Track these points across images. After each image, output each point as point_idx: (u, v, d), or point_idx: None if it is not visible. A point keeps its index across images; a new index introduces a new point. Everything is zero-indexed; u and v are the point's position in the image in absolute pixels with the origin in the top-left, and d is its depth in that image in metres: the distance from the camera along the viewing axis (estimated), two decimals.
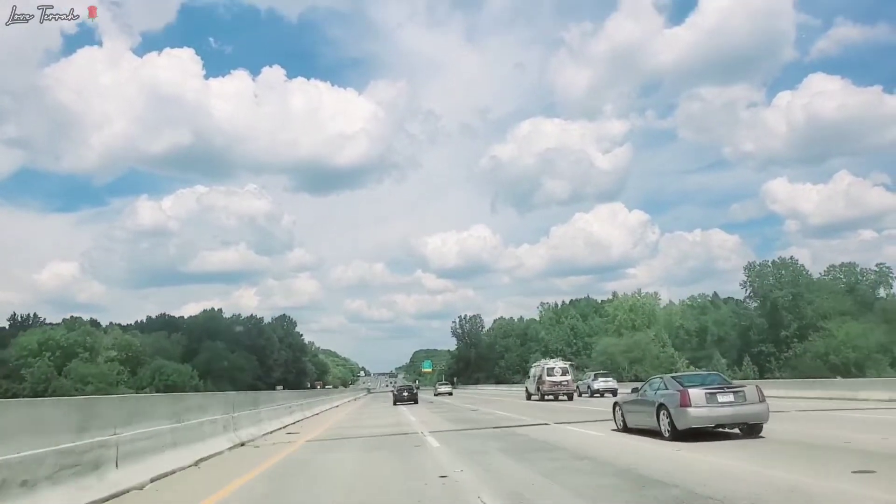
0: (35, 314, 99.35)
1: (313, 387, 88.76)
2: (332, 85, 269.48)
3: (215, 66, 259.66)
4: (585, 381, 39.79)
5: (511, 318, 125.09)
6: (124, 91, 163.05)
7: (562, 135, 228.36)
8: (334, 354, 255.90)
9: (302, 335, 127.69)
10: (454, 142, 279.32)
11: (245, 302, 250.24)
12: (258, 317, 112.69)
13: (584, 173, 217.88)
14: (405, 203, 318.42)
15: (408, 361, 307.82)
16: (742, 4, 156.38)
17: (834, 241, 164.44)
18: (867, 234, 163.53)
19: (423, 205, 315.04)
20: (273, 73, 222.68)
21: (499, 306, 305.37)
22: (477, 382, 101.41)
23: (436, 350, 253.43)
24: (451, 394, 54.53)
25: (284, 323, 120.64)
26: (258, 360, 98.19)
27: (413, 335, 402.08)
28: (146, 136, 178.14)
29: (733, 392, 11.60)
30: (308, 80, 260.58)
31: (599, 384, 37.27)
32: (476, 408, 27.98)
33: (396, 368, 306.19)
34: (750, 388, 11.73)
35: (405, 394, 39.32)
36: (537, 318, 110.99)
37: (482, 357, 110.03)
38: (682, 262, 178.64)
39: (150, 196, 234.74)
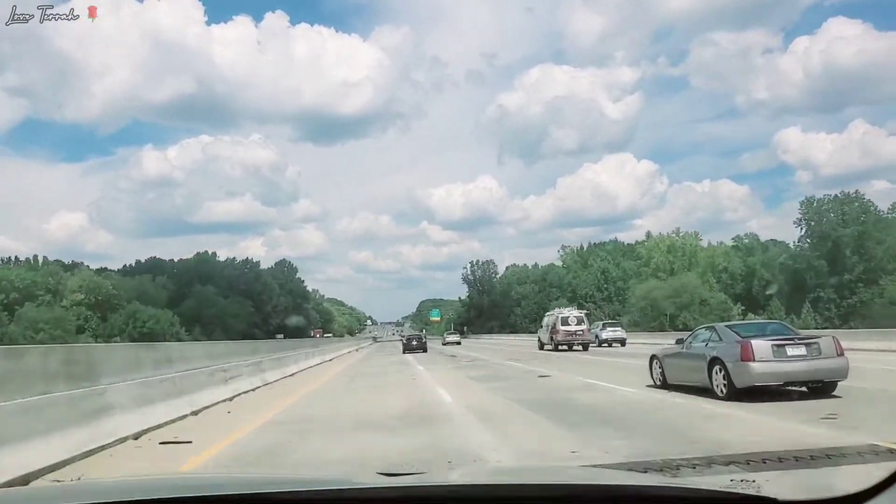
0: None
1: (312, 336, 79.03)
2: (337, 31, 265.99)
3: (217, 12, 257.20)
4: (593, 330, 38.27)
5: (525, 264, 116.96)
6: (126, 38, 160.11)
7: (571, 82, 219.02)
8: (340, 303, 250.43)
9: (304, 282, 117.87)
10: (460, 90, 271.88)
11: (252, 252, 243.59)
12: (254, 260, 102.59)
13: (593, 123, 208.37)
14: (410, 154, 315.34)
15: (414, 311, 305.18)
16: None
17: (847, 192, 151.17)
18: (880, 184, 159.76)
19: (428, 155, 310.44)
20: (276, 19, 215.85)
21: (505, 257, 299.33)
22: (490, 332, 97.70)
23: (442, 300, 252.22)
24: (459, 343, 54.98)
25: (285, 268, 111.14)
26: (255, 306, 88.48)
27: (419, 286, 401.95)
28: (148, 84, 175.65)
29: (805, 344, 10.12)
30: (312, 26, 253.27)
31: (608, 334, 36.44)
32: (492, 361, 26.43)
33: (403, 318, 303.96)
34: (826, 339, 10.22)
35: (414, 342, 41.72)
36: (559, 263, 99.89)
37: (496, 305, 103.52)
38: (690, 212, 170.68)
39: (154, 146, 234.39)
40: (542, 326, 34.29)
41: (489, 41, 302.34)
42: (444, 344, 54.48)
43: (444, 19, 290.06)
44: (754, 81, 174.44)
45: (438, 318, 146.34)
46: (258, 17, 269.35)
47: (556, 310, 34.35)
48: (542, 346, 32.65)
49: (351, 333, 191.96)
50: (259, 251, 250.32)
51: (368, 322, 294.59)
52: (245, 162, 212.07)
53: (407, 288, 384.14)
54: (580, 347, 30.01)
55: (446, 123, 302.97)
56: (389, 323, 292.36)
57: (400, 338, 74.10)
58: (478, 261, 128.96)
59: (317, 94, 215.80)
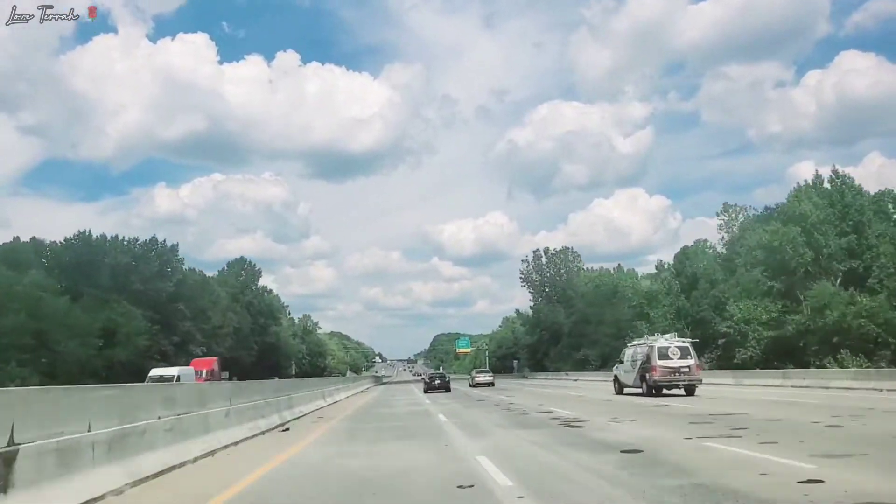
0: None
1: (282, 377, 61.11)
2: (347, 69, 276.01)
3: (229, 52, 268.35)
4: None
5: (606, 268, 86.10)
6: (139, 78, 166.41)
7: (581, 118, 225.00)
8: (345, 337, 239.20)
9: (271, 291, 78.65)
10: (470, 127, 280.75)
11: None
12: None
13: (604, 158, 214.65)
14: (421, 189, 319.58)
15: (427, 347, 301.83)
16: None
17: None
18: None
19: (438, 191, 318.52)
20: (287, 58, 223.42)
21: (515, 293, 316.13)
22: (549, 369, 72.78)
23: (458, 334, 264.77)
24: (492, 384, 44.05)
25: (241, 271, 70.74)
26: (164, 322, 48.49)
27: (430, 323, 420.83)
28: (161, 122, 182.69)
29: None
30: (322, 64, 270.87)
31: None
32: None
33: (415, 355, 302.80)
34: None
35: (437, 381, 39.20)
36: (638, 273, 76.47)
37: (584, 320, 60.92)
38: None
39: (167, 183, 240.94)
40: (621, 361, 27.19)
41: (499, 77, 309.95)
42: (472, 385, 44.32)
43: (453, 57, 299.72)
44: (767, 115, 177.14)
45: (468, 350, 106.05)
46: (270, 57, 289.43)
47: (647, 338, 26.71)
48: (621, 390, 26.25)
49: (356, 371, 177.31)
50: (270, 287, 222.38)
51: (377, 359, 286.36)
52: (256, 199, 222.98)
53: (417, 325, 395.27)
54: (682, 390, 23.23)
55: (456, 159, 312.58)
56: (400, 360, 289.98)
57: (413, 376, 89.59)
58: (549, 249, 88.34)
59: (328, 132, 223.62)
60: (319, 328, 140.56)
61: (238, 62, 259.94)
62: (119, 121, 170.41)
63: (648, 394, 23.26)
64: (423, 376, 56.35)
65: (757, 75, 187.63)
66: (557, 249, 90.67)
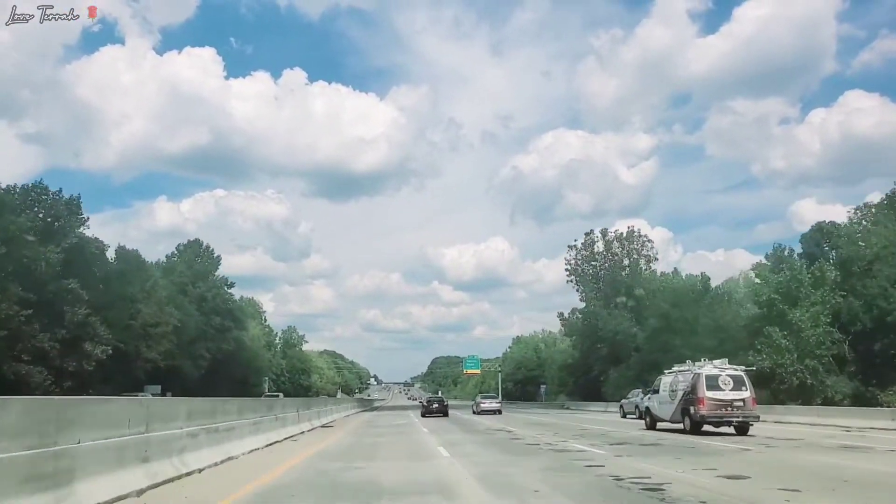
0: None
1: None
2: (354, 89, 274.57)
3: (236, 67, 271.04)
4: (632, 399, 33.83)
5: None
6: (144, 89, 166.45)
7: (586, 147, 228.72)
8: (339, 357, 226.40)
9: (233, 284, 59.21)
10: (475, 151, 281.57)
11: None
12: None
13: (607, 187, 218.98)
14: (423, 212, 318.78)
15: (425, 371, 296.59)
16: (781, 14, 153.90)
17: None
18: None
19: (441, 214, 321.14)
20: (294, 76, 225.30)
21: (515, 321, 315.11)
22: (608, 397, 52.71)
23: (458, 357, 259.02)
24: (499, 411, 39.60)
25: (196, 254, 51.84)
26: (65, 309, 26.81)
27: (427, 347, 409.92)
28: (165, 135, 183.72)
29: None
30: (329, 83, 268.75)
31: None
32: None
33: (412, 378, 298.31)
34: None
35: (434, 406, 38.28)
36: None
37: (667, 329, 43.66)
38: None
39: (168, 197, 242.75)
40: (654, 391, 23.83)
41: (505, 104, 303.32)
42: (476, 412, 39.84)
43: (460, 82, 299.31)
44: (771, 151, 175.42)
45: (476, 371, 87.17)
46: (276, 74, 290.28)
47: (691, 364, 22.27)
48: (653, 424, 23.26)
49: (348, 393, 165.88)
50: (267, 307, 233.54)
51: (372, 381, 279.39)
52: (258, 216, 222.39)
53: (415, 349, 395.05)
54: (730, 428, 20.06)
55: (460, 183, 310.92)
56: (396, 383, 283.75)
57: (409, 400, 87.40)
58: (605, 230, 70.39)
59: (332, 151, 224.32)
60: (306, 342, 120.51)
61: (244, 78, 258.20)
62: (123, 132, 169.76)
63: (692, 430, 19.88)
64: (420, 400, 54.47)
65: (762, 111, 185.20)
66: (621, 233, 68.22)
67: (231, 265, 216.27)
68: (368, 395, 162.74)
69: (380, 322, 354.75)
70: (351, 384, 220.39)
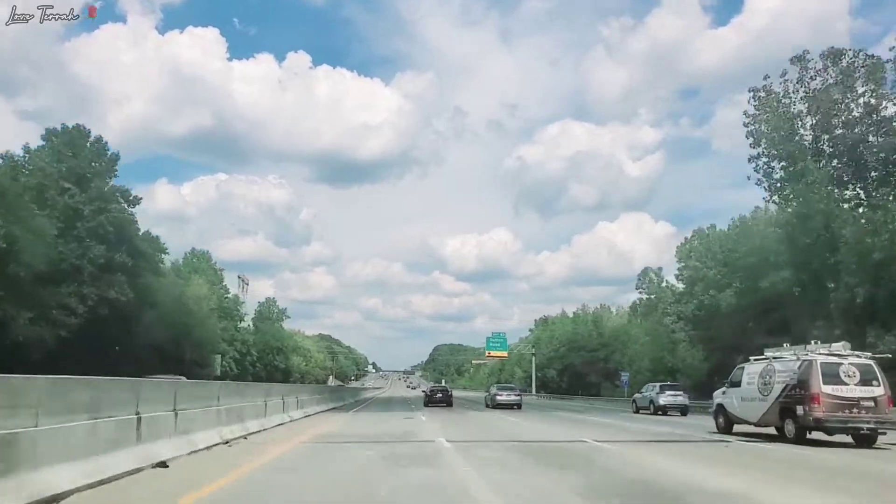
0: None
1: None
2: (359, 74, 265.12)
3: (240, 48, 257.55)
4: (646, 394, 32.86)
5: None
6: (145, 69, 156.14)
7: (592, 139, 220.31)
8: (335, 342, 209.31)
9: (139, 199, 33.45)
10: (480, 140, 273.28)
11: (260, 292, 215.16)
12: None
13: (612, 180, 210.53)
14: (426, 201, 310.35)
15: (427, 359, 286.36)
16: (794, 7, 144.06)
17: None
18: None
19: (444, 204, 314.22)
20: (298, 59, 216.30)
21: (515, 312, 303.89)
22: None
23: (461, 346, 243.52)
24: (518, 406, 34.82)
25: (86, 151, 27.29)
26: None
27: (427, 336, 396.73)
28: (167, 116, 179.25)
29: None
30: (334, 67, 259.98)
31: (667, 398, 31.20)
32: None
33: (412, 367, 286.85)
34: None
35: (438, 395, 38.18)
36: None
37: None
38: None
39: (169, 180, 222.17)
40: (732, 384, 18.37)
41: (512, 93, 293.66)
42: (492, 405, 35.20)
43: (467, 70, 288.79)
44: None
45: (503, 353, 62.36)
46: (280, 57, 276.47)
47: (792, 349, 16.91)
48: (729, 426, 18.16)
49: (343, 380, 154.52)
50: (268, 292, 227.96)
51: (370, 368, 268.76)
52: (259, 201, 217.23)
53: (414, 338, 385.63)
54: (849, 436, 15.14)
55: (464, 172, 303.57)
56: (396, 371, 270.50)
57: (410, 388, 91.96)
58: (837, 48, 33.98)
59: (335, 136, 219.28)
60: (287, 317, 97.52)
61: (248, 60, 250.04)
62: (122, 112, 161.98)
63: (797, 438, 15.20)
64: (423, 390, 55.04)
65: None
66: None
67: (231, 250, 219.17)
68: (362, 384, 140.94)
69: (380, 310, 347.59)
70: (346, 371, 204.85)
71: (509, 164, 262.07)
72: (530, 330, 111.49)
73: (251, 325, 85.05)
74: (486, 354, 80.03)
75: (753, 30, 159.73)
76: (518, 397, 36.24)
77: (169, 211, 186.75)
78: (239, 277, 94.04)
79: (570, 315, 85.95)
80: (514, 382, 65.43)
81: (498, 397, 35.27)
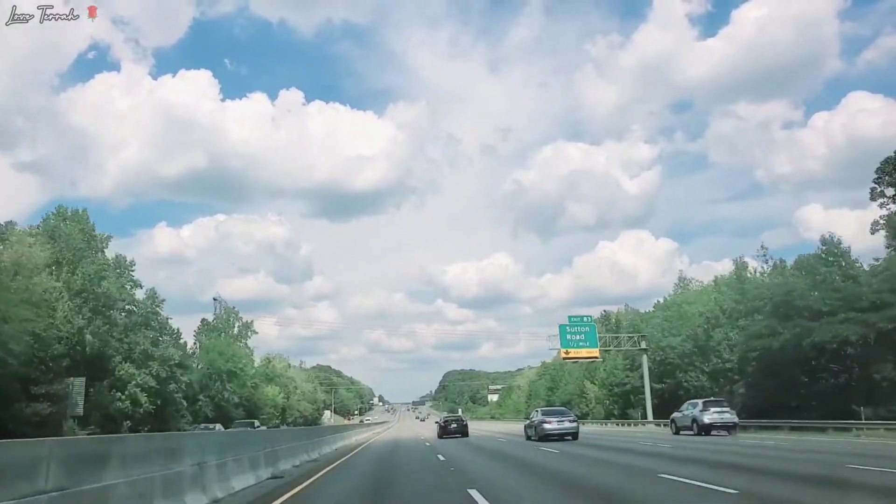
0: None
1: None
2: (351, 108, 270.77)
3: (232, 88, 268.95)
4: (687, 412, 30.30)
5: None
6: (140, 115, 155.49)
7: (587, 158, 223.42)
8: (336, 373, 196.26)
9: None
10: (475, 166, 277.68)
11: (263, 331, 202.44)
12: None
13: (610, 198, 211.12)
14: (424, 229, 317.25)
15: (437, 388, 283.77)
16: (780, 14, 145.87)
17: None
18: None
19: (442, 231, 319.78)
20: (291, 96, 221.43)
21: (521, 338, 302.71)
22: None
23: (473, 371, 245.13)
24: (574, 436, 28.31)
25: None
26: None
27: (434, 367, 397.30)
28: (162, 159, 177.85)
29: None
30: (327, 102, 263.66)
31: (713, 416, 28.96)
32: None
33: (421, 397, 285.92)
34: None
35: (452, 425, 36.84)
36: None
37: None
38: None
39: (168, 223, 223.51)
40: None
41: (504, 118, 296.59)
42: (537, 437, 28.19)
43: (458, 99, 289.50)
44: (775, 156, 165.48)
45: (595, 352, 40.00)
46: (273, 95, 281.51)
47: None
48: None
49: (343, 415, 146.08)
50: (271, 330, 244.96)
51: (375, 400, 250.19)
52: (258, 239, 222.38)
53: (421, 369, 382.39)
54: None
55: (461, 199, 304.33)
56: (403, 403, 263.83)
57: (419, 420, 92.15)
58: None
59: (331, 170, 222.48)
60: (255, 332, 72.26)
61: (241, 99, 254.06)
62: (119, 158, 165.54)
63: None
64: (436, 421, 52.56)
65: (765, 115, 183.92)
66: None
67: (234, 289, 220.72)
68: (361, 420, 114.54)
69: (384, 342, 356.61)
70: (349, 405, 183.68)
71: (505, 187, 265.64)
72: (605, 312, 78.51)
73: (196, 344, 59.48)
74: (562, 354, 50.51)
75: (742, 39, 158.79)
76: (574, 424, 28.55)
77: (169, 254, 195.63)
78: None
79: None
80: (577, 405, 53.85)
81: (546, 425, 27.94)
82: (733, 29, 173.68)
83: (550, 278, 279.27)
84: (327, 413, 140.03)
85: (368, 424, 77.70)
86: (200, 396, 53.90)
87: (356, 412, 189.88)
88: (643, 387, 50.97)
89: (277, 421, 79.04)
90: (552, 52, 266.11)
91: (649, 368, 50.84)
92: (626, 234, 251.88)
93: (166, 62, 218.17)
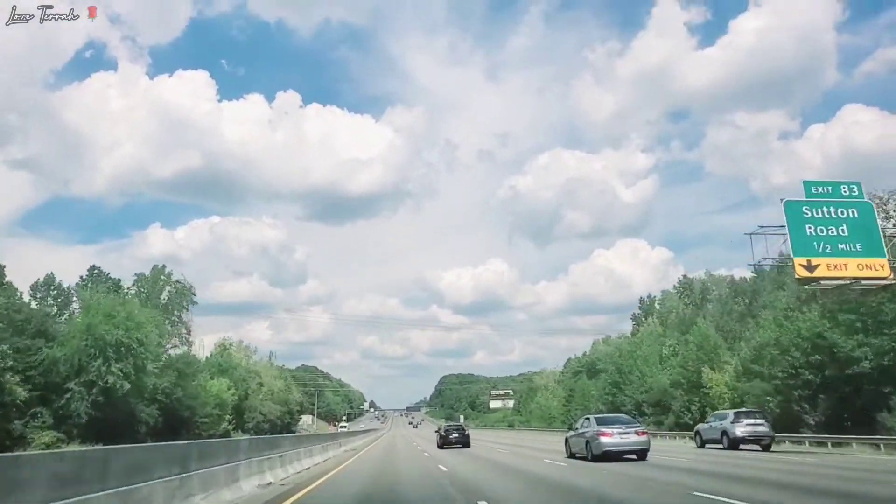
0: None
1: None
2: (349, 111, 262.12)
3: (229, 90, 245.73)
4: (715, 423, 27.53)
5: None
6: (135, 114, 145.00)
7: (584, 166, 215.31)
8: (323, 375, 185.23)
9: None
10: (472, 172, 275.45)
11: (256, 335, 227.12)
12: None
13: (606, 206, 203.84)
14: (420, 234, 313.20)
15: (433, 392, 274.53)
16: (778, 25, 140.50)
17: None
18: None
19: (438, 236, 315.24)
20: (288, 98, 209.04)
21: (515, 345, 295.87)
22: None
23: (472, 375, 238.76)
24: (643, 455, 22.09)
25: None
26: None
27: (428, 373, 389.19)
28: (157, 159, 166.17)
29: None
30: (324, 105, 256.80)
31: (745, 429, 26.04)
32: None
33: (415, 403, 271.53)
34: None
35: (453, 436, 34.51)
36: None
37: None
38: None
39: (162, 223, 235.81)
40: None
41: (501, 124, 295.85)
42: (591, 455, 19.87)
43: (455, 105, 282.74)
44: (770, 166, 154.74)
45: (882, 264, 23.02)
46: (270, 97, 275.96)
47: None
48: None
49: (334, 421, 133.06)
50: (264, 334, 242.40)
51: (366, 406, 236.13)
52: (253, 242, 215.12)
53: (415, 375, 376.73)
54: None
55: (457, 204, 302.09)
56: (396, 409, 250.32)
57: (412, 426, 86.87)
58: None
59: (327, 173, 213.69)
60: (195, 303, 52.61)
61: (237, 100, 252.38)
62: (114, 157, 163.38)
63: None
64: (435, 430, 49.03)
65: (762, 124, 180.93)
66: None
67: (227, 292, 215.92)
68: (344, 427, 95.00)
69: (378, 348, 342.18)
70: (336, 410, 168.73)
71: (502, 193, 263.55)
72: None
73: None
74: (798, 272, 23.80)
75: (741, 48, 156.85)
76: (644, 438, 19.89)
77: (163, 255, 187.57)
78: None
79: None
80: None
81: (603, 437, 19.19)
82: (731, 38, 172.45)
83: (546, 285, 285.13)
84: (306, 418, 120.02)
85: (334, 437, 55.29)
86: (71, 384, 34.01)
87: (344, 417, 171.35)
88: None
89: (230, 427, 59.27)
90: (551, 59, 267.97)
91: None
92: (621, 242, 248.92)
93: (163, 61, 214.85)
